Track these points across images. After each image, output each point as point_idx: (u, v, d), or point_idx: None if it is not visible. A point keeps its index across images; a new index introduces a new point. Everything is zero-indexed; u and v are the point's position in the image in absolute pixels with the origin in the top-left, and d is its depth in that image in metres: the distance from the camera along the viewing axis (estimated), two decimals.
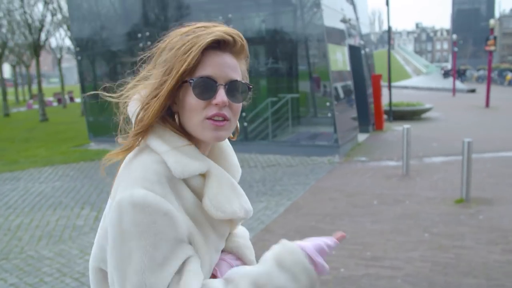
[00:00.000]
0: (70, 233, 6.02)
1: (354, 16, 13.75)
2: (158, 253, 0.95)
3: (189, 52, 1.02)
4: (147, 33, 11.59)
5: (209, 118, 1.04)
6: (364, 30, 15.11)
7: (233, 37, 1.06)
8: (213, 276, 1.10)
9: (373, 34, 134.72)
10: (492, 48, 20.37)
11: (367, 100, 13.56)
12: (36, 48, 22.46)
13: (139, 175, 1.00)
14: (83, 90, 13.62)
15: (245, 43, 1.10)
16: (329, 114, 10.04)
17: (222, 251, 1.18)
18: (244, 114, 11.07)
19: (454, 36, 33.15)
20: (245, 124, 10.99)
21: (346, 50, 11.45)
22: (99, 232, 1.12)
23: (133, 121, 1.08)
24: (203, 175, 1.08)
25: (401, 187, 7.69)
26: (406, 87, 41.94)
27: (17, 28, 26.37)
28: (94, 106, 12.66)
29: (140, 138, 1.06)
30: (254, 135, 11.05)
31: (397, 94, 33.94)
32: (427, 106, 17.71)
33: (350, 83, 11.66)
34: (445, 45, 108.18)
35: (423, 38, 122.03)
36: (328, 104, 10.00)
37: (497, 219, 5.96)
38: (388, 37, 16.13)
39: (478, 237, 5.32)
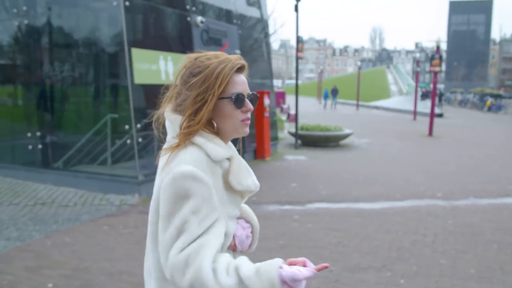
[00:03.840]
0: None
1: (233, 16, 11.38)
2: (200, 211, 1.33)
3: (223, 75, 1.43)
4: None
5: (242, 121, 1.49)
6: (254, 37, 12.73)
7: (244, 63, 1.51)
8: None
9: (371, 51, 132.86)
10: (437, 69, 17.87)
11: None
12: None
13: (186, 158, 1.39)
14: None
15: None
16: (128, 141, 7.62)
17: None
18: (38, 133, 8.67)
19: (417, 55, 30.71)
20: (40, 146, 8.58)
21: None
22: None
23: (172, 128, 1.48)
24: (229, 160, 1.50)
25: None
26: (376, 108, 39.55)
27: None
28: None
29: (189, 138, 1.43)
30: (53, 161, 8.64)
31: (362, 115, 31.52)
32: (346, 131, 15.19)
33: None
34: (443, 66, 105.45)
35: (422, 58, 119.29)
36: (127, 127, 7.57)
37: None
38: (296, 48, 13.71)
39: None
